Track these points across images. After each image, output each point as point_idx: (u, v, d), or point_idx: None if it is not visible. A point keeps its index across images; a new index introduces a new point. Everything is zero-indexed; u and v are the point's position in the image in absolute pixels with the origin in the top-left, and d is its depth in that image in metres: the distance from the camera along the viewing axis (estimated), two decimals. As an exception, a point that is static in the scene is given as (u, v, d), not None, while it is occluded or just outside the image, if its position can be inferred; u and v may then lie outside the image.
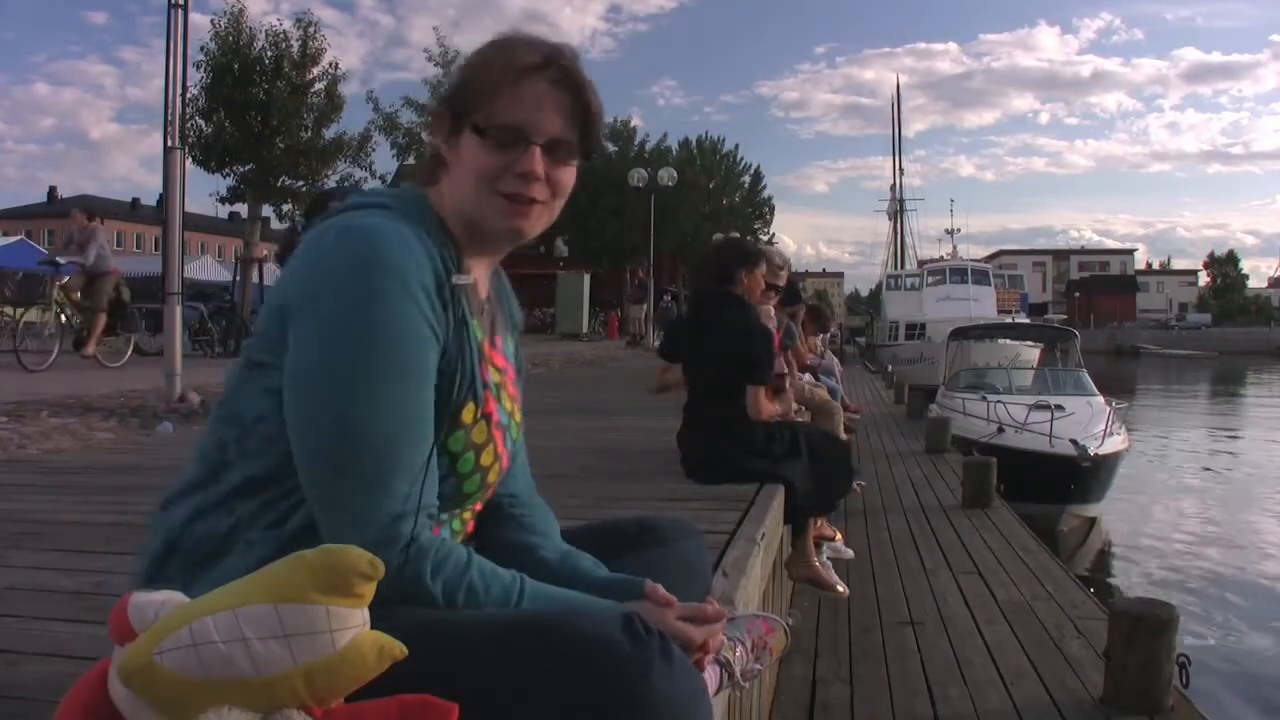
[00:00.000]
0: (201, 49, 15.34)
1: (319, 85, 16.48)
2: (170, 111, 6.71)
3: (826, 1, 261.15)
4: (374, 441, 1.02)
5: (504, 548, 1.23)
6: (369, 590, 0.84)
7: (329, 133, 16.67)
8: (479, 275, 1.21)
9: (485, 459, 1.16)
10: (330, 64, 16.58)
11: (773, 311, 4.54)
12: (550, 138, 1.14)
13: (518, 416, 1.28)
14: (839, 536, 4.56)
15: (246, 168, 16.00)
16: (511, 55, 1.15)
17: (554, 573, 1.20)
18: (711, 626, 1.12)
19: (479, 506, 1.25)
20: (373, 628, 0.85)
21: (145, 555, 1.12)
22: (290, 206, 16.72)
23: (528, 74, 1.14)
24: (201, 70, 15.37)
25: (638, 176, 25.00)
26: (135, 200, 58.70)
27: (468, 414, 1.13)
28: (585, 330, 27.66)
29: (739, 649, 1.28)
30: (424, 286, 1.05)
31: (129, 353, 9.97)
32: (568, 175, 1.17)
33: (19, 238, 27.19)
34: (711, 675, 1.18)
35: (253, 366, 1.10)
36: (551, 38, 1.19)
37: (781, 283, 4.65)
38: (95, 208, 11.19)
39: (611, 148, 38.41)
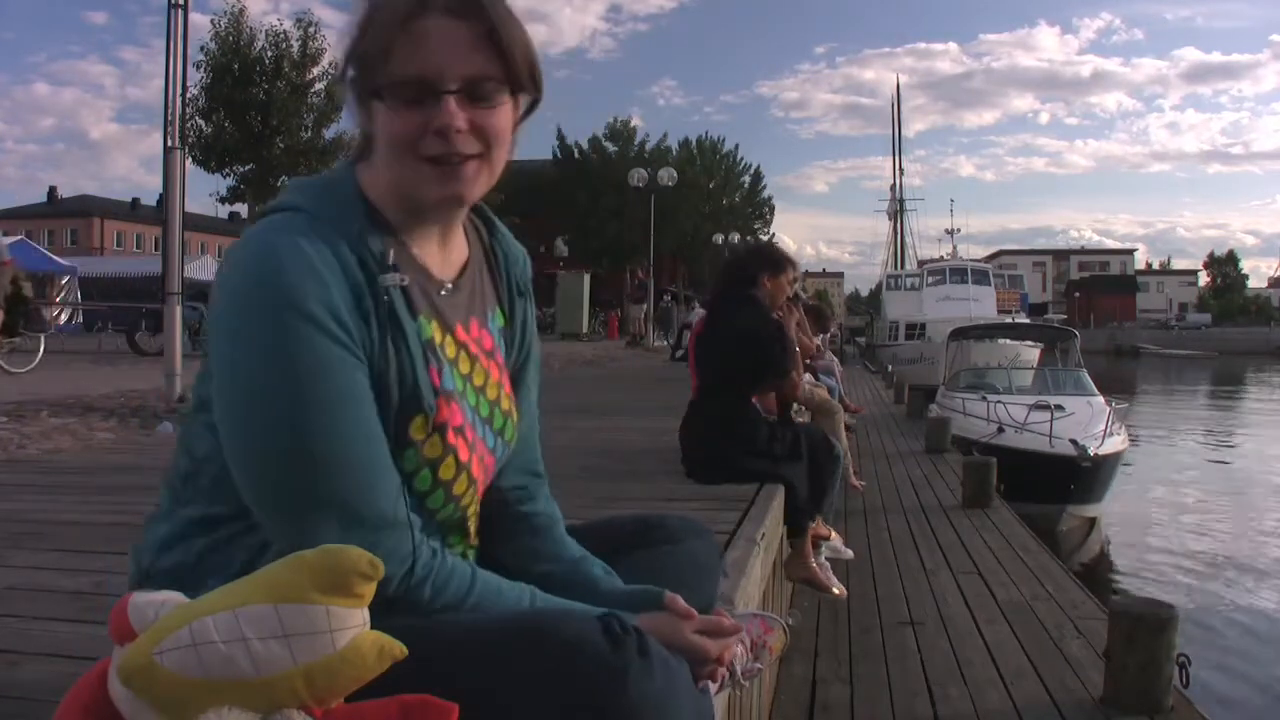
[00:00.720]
0: (201, 49, 15.47)
1: (319, 85, 16.56)
2: (170, 111, 6.71)
3: (826, 1, 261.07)
4: (327, 477, 0.94)
5: (513, 553, 1.20)
6: (369, 590, 0.84)
7: (329, 133, 16.81)
8: (432, 251, 1.08)
9: (445, 473, 1.05)
10: (330, 64, 16.63)
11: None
12: (463, 78, 0.97)
13: (505, 404, 1.16)
14: (834, 535, 4.56)
15: (246, 168, 16.07)
16: None
17: (566, 581, 1.16)
18: (726, 640, 1.10)
19: (474, 518, 1.17)
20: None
21: (128, 580, 1.09)
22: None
23: (417, 12, 0.97)
24: (201, 70, 15.47)
25: (638, 176, 25.07)
26: (135, 200, 58.58)
27: (416, 429, 1.01)
28: (585, 330, 27.71)
29: (739, 648, 1.28)
30: (329, 307, 0.93)
31: (40, 354, 9.17)
32: (498, 118, 1.00)
33: (19, 238, 27.16)
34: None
35: (201, 402, 1.02)
36: None
37: (792, 294, 4.74)
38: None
39: (611, 148, 38.48)
